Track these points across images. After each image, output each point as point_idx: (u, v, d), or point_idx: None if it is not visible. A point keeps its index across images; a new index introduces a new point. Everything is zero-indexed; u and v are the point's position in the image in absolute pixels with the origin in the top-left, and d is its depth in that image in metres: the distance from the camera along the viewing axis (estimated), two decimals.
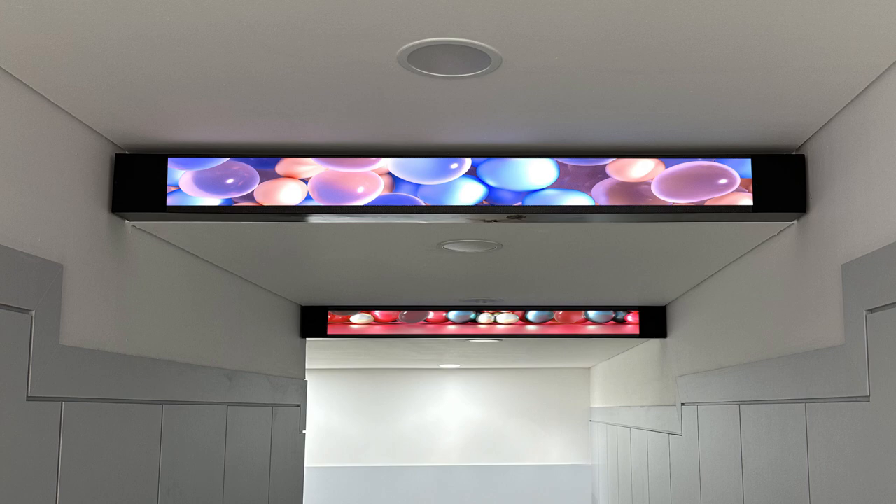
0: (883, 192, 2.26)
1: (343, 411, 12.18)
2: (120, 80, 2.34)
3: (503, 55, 2.13)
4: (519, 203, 2.85)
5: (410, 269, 4.35)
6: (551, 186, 2.85)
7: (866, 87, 2.33)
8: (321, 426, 12.00)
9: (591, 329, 5.80)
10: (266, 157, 2.89)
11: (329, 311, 5.80)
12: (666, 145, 2.85)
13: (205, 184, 2.88)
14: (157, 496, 3.23)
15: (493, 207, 2.86)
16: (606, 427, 9.53)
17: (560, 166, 2.86)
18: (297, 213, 2.89)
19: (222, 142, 2.86)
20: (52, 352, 2.47)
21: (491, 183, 2.86)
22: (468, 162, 2.86)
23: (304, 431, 5.88)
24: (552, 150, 2.89)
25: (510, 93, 2.41)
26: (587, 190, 2.84)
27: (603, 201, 2.84)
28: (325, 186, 2.87)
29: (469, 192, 2.85)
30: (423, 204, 2.86)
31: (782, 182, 2.83)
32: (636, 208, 2.83)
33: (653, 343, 6.27)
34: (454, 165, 2.87)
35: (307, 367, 6.26)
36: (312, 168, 2.88)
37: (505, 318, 5.81)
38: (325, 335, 5.82)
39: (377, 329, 5.79)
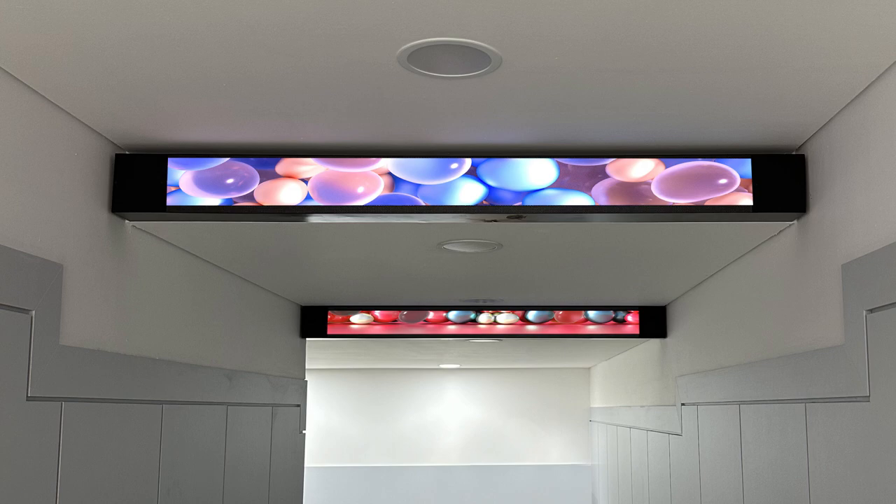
0: (883, 192, 2.26)
1: (343, 411, 12.18)
2: (120, 80, 2.34)
3: (503, 55, 2.13)
4: (519, 203, 2.85)
5: (410, 269, 4.35)
6: (551, 186, 2.85)
7: (866, 87, 2.33)
8: (321, 426, 12.00)
9: (591, 329, 5.80)
10: (266, 157, 2.89)
11: (329, 311, 5.80)
12: (666, 145, 2.85)
13: (205, 184, 2.88)
14: (157, 496, 3.23)
15: (493, 207, 2.86)
16: (606, 427, 9.52)
17: (560, 166, 2.86)
18: (297, 213, 2.89)
19: (222, 142, 2.86)
20: (52, 352, 2.47)
21: (491, 183, 2.86)
22: (468, 162, 2.86)
23: (304, 431, 5.88)
24: (552, 150, 2.89)
25: (510, 93, 2.40)
26: (587, 190, 2.84)
27: (603, 201, 2.84)
28: (325, 186, 2.87)
29: (469, 192, 2.85)
30: (423, 204, 2.86)
31: (782, 182, 2.83)
32: (636, 208, 2.83)
33: (653, 343, 6.27)
34: (454, 165, 2.86)
35: (307, 367, 6.26)
36: (312, 168, 2.88)
37: (505, 318, 5.80)
38: (325, 335, 5.82)
39: (377, 329, 5.79)
